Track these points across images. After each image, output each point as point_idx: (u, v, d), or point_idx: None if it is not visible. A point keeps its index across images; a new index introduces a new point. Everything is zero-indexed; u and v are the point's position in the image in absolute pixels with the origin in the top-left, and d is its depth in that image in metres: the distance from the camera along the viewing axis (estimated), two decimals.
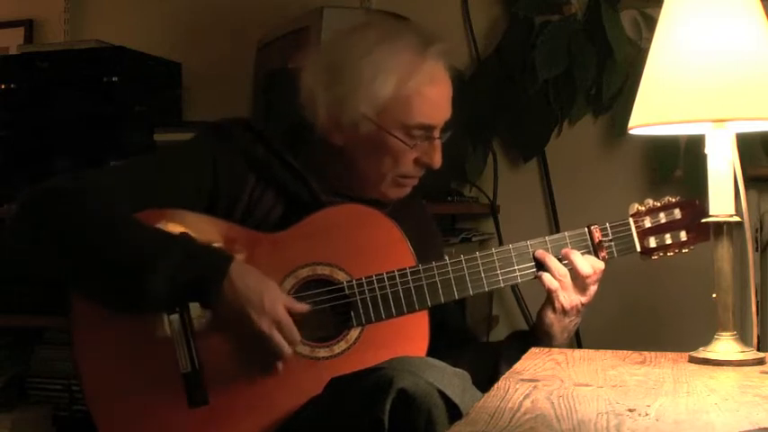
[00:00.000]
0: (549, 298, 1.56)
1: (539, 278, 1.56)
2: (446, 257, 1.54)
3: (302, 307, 1.46)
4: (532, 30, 2.64)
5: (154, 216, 1.47)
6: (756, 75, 1.28)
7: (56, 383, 2.76)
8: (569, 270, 1.55)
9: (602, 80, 2.56)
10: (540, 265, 1.56)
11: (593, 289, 1.57)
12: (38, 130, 2.74)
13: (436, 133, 1.57)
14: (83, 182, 1.47)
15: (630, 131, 1.42)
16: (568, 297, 1.55)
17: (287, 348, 1.42)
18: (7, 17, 3.26)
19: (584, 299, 1.57)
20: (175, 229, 1.46)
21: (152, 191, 1.50)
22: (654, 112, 1.35)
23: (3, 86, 2.77)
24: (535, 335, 1.61)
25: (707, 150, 1.36)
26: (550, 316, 1.57)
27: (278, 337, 1.41)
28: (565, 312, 1.56)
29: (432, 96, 1.55)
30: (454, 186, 2.68)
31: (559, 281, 1.54)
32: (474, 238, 2.59)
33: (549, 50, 2.54)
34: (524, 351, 1.55)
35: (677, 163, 2.47)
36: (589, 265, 1.55)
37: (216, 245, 1.46)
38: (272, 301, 1.41)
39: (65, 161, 2.67)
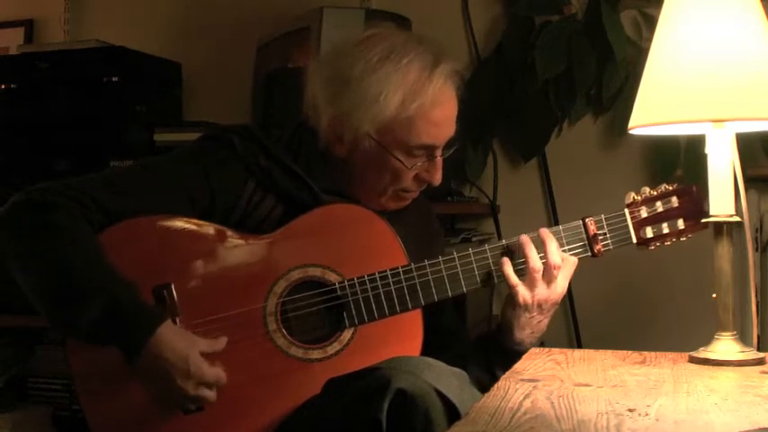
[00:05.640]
0: (510, 292, 1.53)
1: (500, 267, 1.52)
2: (440, 257, 1.53)
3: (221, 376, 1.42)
4: (532, 30, 2.64)
5: (147, 222, 1.47)
6: (756, 75, 1.28)
7: (56, 383, 2.76)
8: (540, 257, 1.52)
9: (602, 80, 2.56)
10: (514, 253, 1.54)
11: (560, 285, 1.52)
12: (38, 130, 2.74)
13: (438, 152, 1.56)
14: (62, 191, 1.45)
15: (630, 131, 1.42)
16: (528, 293, 1.51)
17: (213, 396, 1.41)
18: (7, 17, 3.27)
19: (548, 294, 1.52)
20: (171, 238, 1.46)
21: (144, 200, 1.49)
22: (654, 112, 1.35)
23: (3, 86, 2.77)
24: (499, 328, 1.58)
25: (707, 150, 1.36)
26: (509, 310, 1.54)
27: (206, 393, 1.39)
28: (525, 307, 1.52)
29: (435, 118, 1.53)
30: (454, 186, 2.68)
31: (529, 273, 1.51)
32: (474, 238, 2.59)
33: (549, 50, 2.54)
34: (489, 349, 1.56)
35: (677, 163, 2.47)
36: (559, 256, 1.51)
37: (198, 252, 1.46)
38: (198, 364, 1.38)
39: (65, 161, 2.67)
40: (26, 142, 2.75)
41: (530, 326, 1.55)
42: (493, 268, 1.54)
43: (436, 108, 1.52)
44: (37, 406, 2.77)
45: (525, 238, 1.53)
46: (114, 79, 2.68)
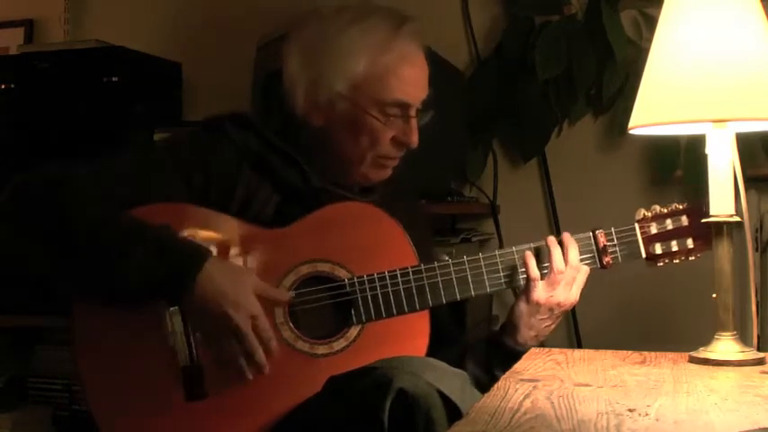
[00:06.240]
0: (527, 287, 1.55)
1: (524, 260, 1.54)
2: (447, 258, 1.54)
3: (282, 294, 1.46)
4: (532, 30, 2.64)
5: (155, 209, 1.48)
6: (756, 75, 1.28)
7: (56, 383, 2.76)
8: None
9: (602, 80, 2.56)
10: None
11: (573, 292, 1.55)
12: (38, 130, 2.74)
13: (412, 112, 1.58)
14: (68, 176, 1.49)
15: (630, 131, 1.42)
16: (545, 292, 1.54)
17: (260, 353, 1.43)
18: (7, 17, 3.26)
19: (565, 298, 1.54)
20: (182, 225, 1.47)
21: (140, 189, 1.50)
22: (654, 112, 1.35)
23: (3, 86, 2.77)
24: (503, 328, 1.60)
25: (707, 150, 1.36)
26: (522, 307, 1.55)
27: (253, 338, 1.42)
28: (538, 307, 1.54)
29: (405, 75, 1.56)
30: (454, 186, 2.68)
31: (552, 272, 1.53)
32: (474, 239, 2.59)
33: (548, 50, 2.54)
34: (491, 351, 1.58)
35: (677, 163, 2.47)
36: (578, 260, 1.54)
37: (211, 240, 1.48)
38: (248, 296, 1.42)
39: (65, 161, 2.66)
40: (26, 142, 2.75)
41: (536, 328, 1.56)
42: (502, 273, 1.55)
43: (405, 64, 1.56)
44: (37, 406, 2.77)
45: (552, 239, 1.55)
46: (114, 79, 2.68)
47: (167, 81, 2.93)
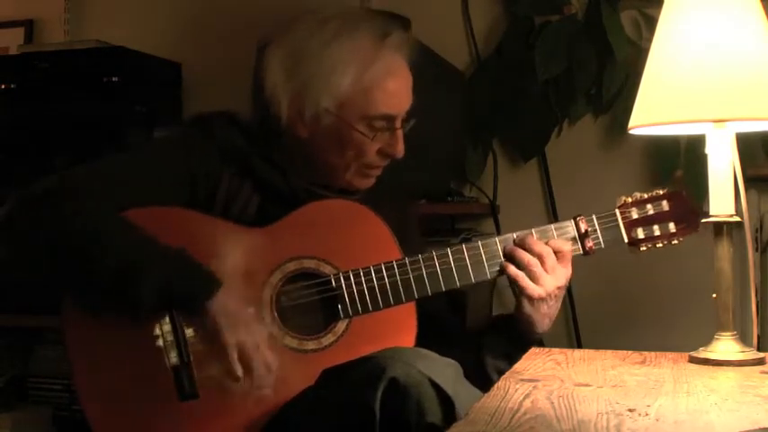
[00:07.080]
0: (521, 290, 1.55)
1: (504, 269, 1.55)
2: (433, 252, 1.55)
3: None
4: (532, 30, 2.65)
5: (144, 214, 1.48)
6: (756, 75, 1.28)
7: (56, 383, 2.76)
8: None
9: (602, 80, 2.56)
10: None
11: (560, 272, 1.55)
12: (38, 130, 2.74)
13: (398, 123, 1.59)
14: (67, 188, 1.47)
15: (630, 131, 1.42)
16: (539, 287, 1.53)
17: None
18: (7, 17, 3.26)
19: (555, 281, 1.54)
20: (169, 228, 1.48)
21: (132, 189, 1.50)
22: (654, 112, 1.35)
23: (3, 86, 2.77)
24: (517, 323, 1.60)
25: (707, 150, 1.36)
26: (527, 308, 1.56)
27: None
28: (541, 301, 1.54)
29: (390, 88, 1.57)
30: (454, 186, 2.68)
31: (527, 269, 1.53)
32: (474, 239, 2.59)
33: (549, 50, 2.54)
34: (509, 339, 1.59)
35: (677, 163, 2.47)
36: (541, 246, 1.54)
37: (198, 242, 1.49)
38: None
39: (65, 161, 2.67)
40: (26, 142, 2.75)
41: (549, 314, 1.57)
42: (486, 264, 1.55)
43: (390, 77, 1.56)
44: (37, 406, 2.77)
45: (510, 246, 1.55)
46: (114, 79, 2.68)
47: (167, 81, 2.93)
